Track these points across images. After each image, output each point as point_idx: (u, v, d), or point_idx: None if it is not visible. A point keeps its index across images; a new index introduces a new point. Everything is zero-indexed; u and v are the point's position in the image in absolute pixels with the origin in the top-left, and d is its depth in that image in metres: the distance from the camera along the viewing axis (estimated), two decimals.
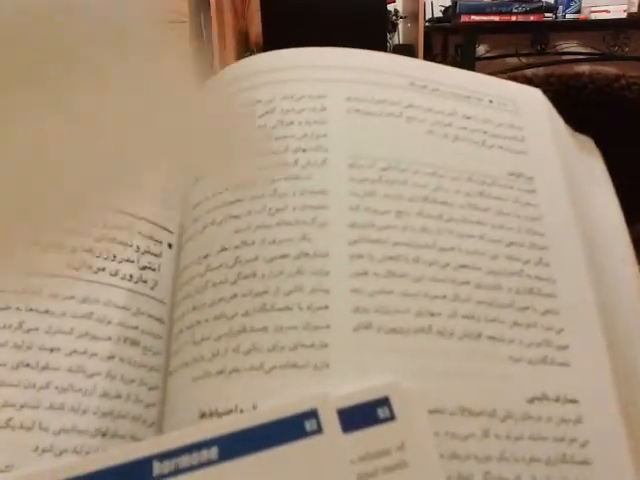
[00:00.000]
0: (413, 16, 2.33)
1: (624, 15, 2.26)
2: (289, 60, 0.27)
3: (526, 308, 0.22)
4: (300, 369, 0.20)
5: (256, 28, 2.21)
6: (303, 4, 1.96)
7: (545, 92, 0.29)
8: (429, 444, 0.18)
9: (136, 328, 0.23)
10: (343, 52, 0.27)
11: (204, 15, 2.30)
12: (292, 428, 0.18)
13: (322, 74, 0.26)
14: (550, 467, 0.19)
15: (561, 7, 2.32)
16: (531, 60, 2.44)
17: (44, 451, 0.20)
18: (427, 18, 2.35)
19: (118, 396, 0.22)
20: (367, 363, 0.20)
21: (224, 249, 0.23)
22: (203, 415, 0.20)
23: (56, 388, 0.21)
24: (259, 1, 2.00)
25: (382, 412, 0.18)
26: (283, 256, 0.22)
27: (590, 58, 2.43)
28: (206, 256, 0.23)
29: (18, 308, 0.22)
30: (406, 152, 0.24)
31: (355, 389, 0.19)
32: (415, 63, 0.28)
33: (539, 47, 2.49)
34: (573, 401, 0.20)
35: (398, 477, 0.17)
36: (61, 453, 0.20)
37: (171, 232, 0.26)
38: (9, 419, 0.20)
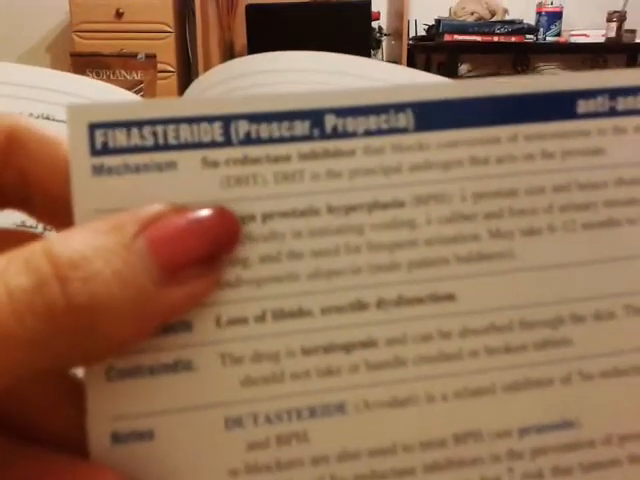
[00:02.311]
0: (397, 34, 2.36)
1: (602, 40, 2.31)
2: (269, 63, 0.27)
3: None
4: None
5: (241, 40, 2.22)
6: (288, 18, 1.98)
7: None
8: None
9: None
10: (331, 57, 0.27)
11: (189, 26, 2.30)
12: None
13: (309, 77, 0.27)
14: None
15: (542, 29, 2.37)
16: None
17: None
18: (411, 36, 2.38)
19: None
20: None
21: None
22: None
23: None
24: (244, 13, 2.01)
25: None
26: None
27: None
28: None
29: None
30: None
31: None
32: (399, 69, 0.28)
33: (520, 68, 2.53)
34: None
35: None
36: None
37: None
38: None
